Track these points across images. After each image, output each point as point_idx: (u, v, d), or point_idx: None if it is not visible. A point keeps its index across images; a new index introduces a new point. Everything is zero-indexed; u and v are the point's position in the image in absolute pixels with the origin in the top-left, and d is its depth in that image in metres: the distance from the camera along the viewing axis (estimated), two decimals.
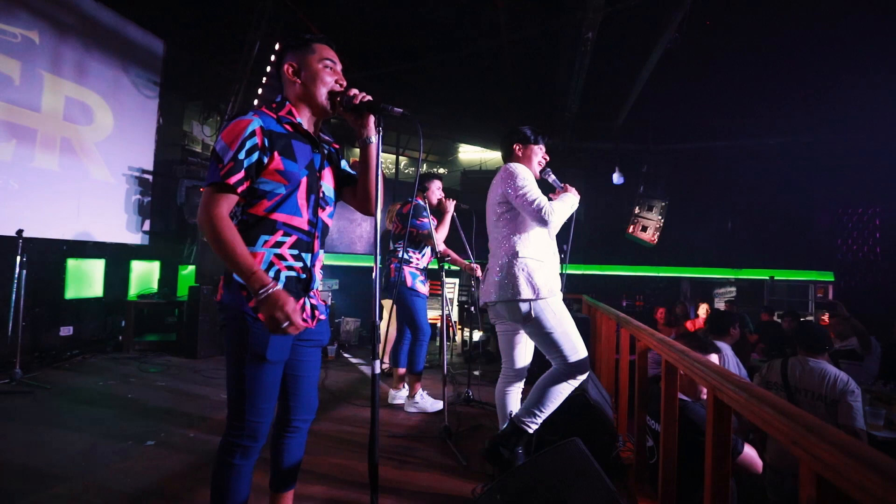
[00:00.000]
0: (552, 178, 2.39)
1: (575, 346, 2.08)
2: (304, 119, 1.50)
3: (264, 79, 6.10)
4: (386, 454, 2.64)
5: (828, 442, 0.76)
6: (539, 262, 2.14)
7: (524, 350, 2.37)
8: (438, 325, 4.50)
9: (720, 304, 9.33)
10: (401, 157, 9.31)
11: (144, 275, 5.64)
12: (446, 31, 6.54)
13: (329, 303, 5.89)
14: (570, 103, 7.34)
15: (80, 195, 4.87)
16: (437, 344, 5.16)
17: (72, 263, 4.85)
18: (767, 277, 9.66)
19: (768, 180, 9.29)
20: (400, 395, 3.57)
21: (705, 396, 2.12)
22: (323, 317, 1.58)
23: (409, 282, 3.37)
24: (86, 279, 5.04)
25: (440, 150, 12.50)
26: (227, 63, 6.14)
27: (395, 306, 3.65)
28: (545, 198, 2.10)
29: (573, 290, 7.32)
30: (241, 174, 1.32)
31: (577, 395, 2.43)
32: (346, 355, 5.49)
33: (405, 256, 3.40)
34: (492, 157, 11.62)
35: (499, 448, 2.09)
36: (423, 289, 3.46)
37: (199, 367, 4.45)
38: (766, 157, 9.15)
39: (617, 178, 9.06)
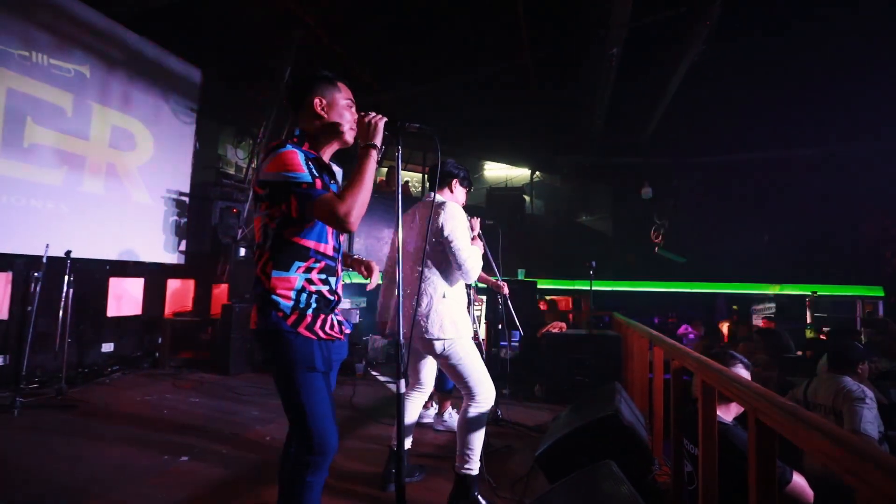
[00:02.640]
0: (471, 221, 2.50)
1: (480, 378, 2.21)
2: (322, 150, 1.60)
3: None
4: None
5: (886, 471, 0.71)
6: (458, 303, 2.27)
7: (430, 369, 2.50)
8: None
9: (758, 321, 8.93)
10: (426, 176, 9.43)
11: (180, 293, 5.84)
12: (470, 51, 6.65)
13: (358, 320, 5.94)
14: (596, 119, 7.30)
15: (122, 217, 5.12)
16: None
17: (114, 282, 5.07)
18: (810, 293, 9.20)
19: (806, 191, 8.93)
20: (428, 414, 3.54)
21: (731, 415, 2.02)
22: (348, 331, 1.65)
23: None
24: (126, 297, 5.26)
25: (466, 168, 12.59)
26: (259, 89, 6.41)
27: None
28: (475, 255, 2.21)
29: (603, 308, 7.16)
30: (320, 183, 1.45)
31: (610, 415, 2.35)
32: (373, 373, 5.50)
33: None
34: (517, 174, 11.62)
35: (457, 502, 2.18)
36: None
37: (232, 384, 4.54)
38: (802, 167, 8.82)
39: (646, 192, 8.90)
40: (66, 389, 3.85)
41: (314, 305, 1.49)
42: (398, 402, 1.56)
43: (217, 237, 5.91)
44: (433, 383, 2.56)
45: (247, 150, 7.02)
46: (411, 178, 9.97)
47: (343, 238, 1.65)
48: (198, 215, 6.09)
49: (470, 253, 2.19)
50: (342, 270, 1.63)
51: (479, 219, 3.50)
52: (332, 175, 1.61)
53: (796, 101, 7.73)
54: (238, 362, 5.00)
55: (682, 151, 9.05)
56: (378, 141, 1.52)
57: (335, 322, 1.57)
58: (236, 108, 6.71)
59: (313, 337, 1.47)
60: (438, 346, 2.18)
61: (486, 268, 3.61)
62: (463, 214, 2.27)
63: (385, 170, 9.04)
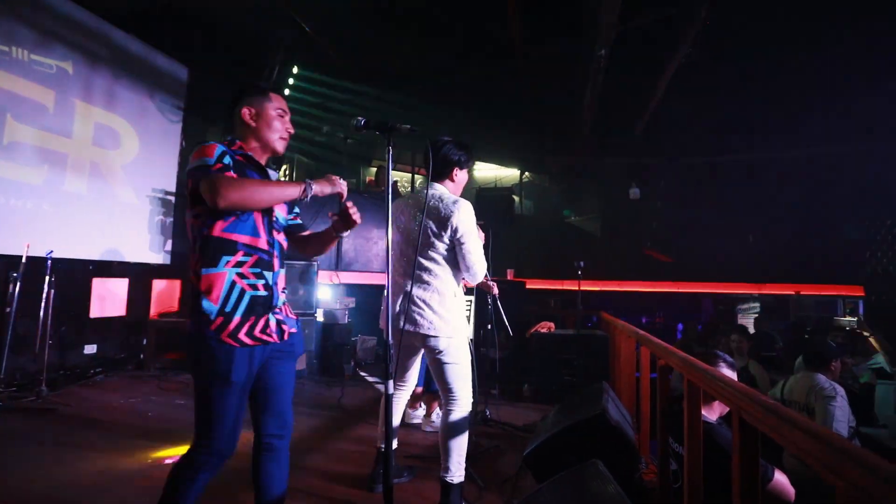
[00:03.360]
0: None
1: (467, 382, 2.20)
2: (255, 155, 1.63)
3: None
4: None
5: (865, 468, 0.72)
6: (462, 299, 2.26)
7: (417, 366, 2.45)
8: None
9: (744, 321, 9.06)
10: (416, 175, 9.41)
11: (165, 293, 5.75)
12: (461, 51, 6.65)
13: (347, 321, 5.91)
14: (585, 119, 7.35)
15: (106, 216, 5.03)
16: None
17: (97, 283, 4.98)
18: (793, 293, 9.35)
19: (791, 192, 9.08)
20: (416, 415, 3.54)
21: (715, 414, 2.05)
22: (293, 330, 1.65)
23: None
24: (110, 298, 5.16)
25: (464, 146, 12.59)
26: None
27: None
28: (483, 260, 2.20)
29: (591, 308, 7.22)
30: (230, 174, 1.46)
31: (598, 415, 2.36)
32: (362, 374, 5.48)
33: None
34: (507, 174, 11.64)
35: None
36: None
37: None
38: (787, 168, 8.97)
39: (634, 192, 8.98)
40: (47, 392, 3.77)
41: (245, 305, 1.48)
42: (386, 402, 1.56)
43: None
44: (416, 381, 2.53)
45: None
46: (400, 178, 9.95)
47: (281, 235, 1.65)
48: (184, 215, 6.00)
49: (480, 255, 2.17)
50: (280, 266, 1.62)
51: None
52: (266, 174, 1.63)
53: (780, 103, 7.86)
54: None
55: (670, 152, 9.15)
56: (312, 190, 1.53)
57: (273, 323, 1.55)
58: (224, 106, 6.62)
59: (236, 345, 1.45)
60: (443, 343, 2.12)
61: None
62: (472, 211, 2.21)
63: (374, 170, 9.00)
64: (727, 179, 9.42)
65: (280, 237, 1.64)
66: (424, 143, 2.16)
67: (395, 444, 2.51)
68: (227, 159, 1.48)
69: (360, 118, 1.64)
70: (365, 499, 2.33)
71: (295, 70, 6.33)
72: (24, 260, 3.79)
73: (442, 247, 2.14)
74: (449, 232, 2.11)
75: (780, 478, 1.86)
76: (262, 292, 1.53)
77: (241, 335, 1.47)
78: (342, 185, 1.60)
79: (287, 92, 6.38)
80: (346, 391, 4.40)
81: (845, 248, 9.32)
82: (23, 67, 4.26)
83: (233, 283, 1.48)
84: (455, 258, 2.17)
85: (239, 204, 1.41)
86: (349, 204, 1.62)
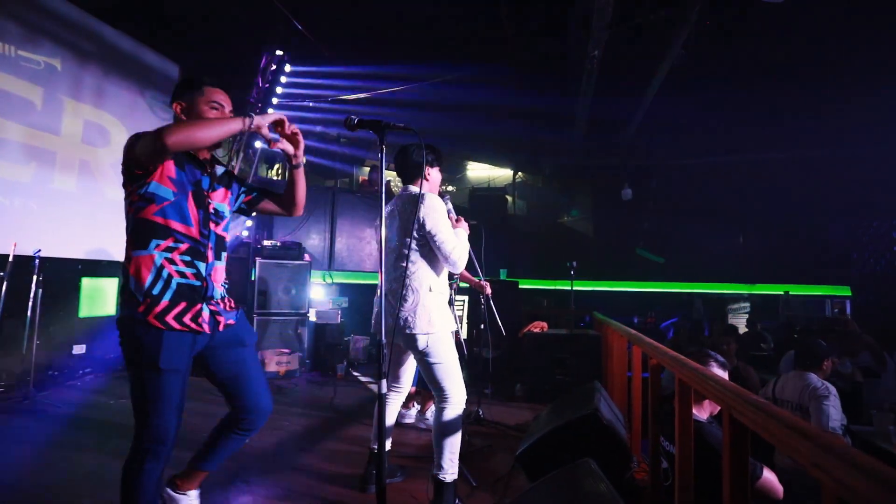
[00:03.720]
0: (449, 206, 2.40)
1: (456, 379, 2.20)
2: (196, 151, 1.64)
3: (275, 100, 6.25)
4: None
5: (850, 465, 0.73)
6: (442, 294, 2.26)
7: (411, 369, 2.48)
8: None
9: (734, 321, 9.15)
10: None
11: None
12: (453, 49, 6.66)
13: (339, 321, 5.88)
14: (577, 120, 7.39)
15: (95, 215, 4.96)
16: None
17: (86, 282, 4.92)
18: (782, 292, 9.48)
19: (780, 194, 9.20)
20: (410, 414, 3.54)
21: (706, 413, 2.08)
22: (231, 322, 1.69)
23: None
24: (99, 297, 5.10)
25: (448, 168, 12.58)
26: (239, 86, 6.29)
27: None
28: (460, 244, 2.19)
29: (583, 307, 7.25)
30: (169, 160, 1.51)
31: (590, 414, 2.38)
32: (355, 373, 5.46)
33: None
34: (500, 174, 11.67)
35: None
36: None
37: (208, 386, 4.42)
38: (776, 170, 9.09)
39: (626, 193, 9.04)
40: (35, 393, 3.72)
41: (173, 290, 1.50)
42: (379, 402, 1.56)
43: None
44: (411, 384, 2.54)
45: (226, 146, 6.89)
46: (393, 177, 9.94)
47: (220, 227, 1.67)
48: None
49: (455, 243, 2.16)
50: (214, 258, 1.64)
51: (461, 218, 3.52)
52: (204, 168, 1.65)
53: (769, 107, 7.96)
54: None
55: (661, 154, 9.23)
56: (254, 121, 1.51)
57: (206, 313, 1.58)
58: None
59: (162, 327, 1.47)
60: (422, 341, 2.13)
61: (470, 268, 3.62)
62: (442, 205, 2.23)
63: (367, 169, 8.98)
64: (718, 181, 9.52)
65: (219, 230, 1.67)
66: (418, 142, 2.16)
67: (388, 446, 2.52)
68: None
69: (353, 116, 1.64)
70: (358, 499, 2.32)
71: (287, 68, 6.30)
72: (10, 259, 3.73)
73: (413, 243, 2.17)
74: (417, 228, 2.14)
75: (768, 475, 1.89)
76: (193, 281, 1.56)
77: (169, 318, 1.48)
78: (279, 113, 1.60)
79: (279, 90, 6.33)
80: (339, 391, 4.39)
81: (833, 249, 9.46)
82: (10, 64, 4.19)
83: (161, 267, 1.50)
84: (429, 253, 2.20)
85: (184, 140, 1.40)
86: (290, 128, 1.61)
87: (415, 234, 2.16)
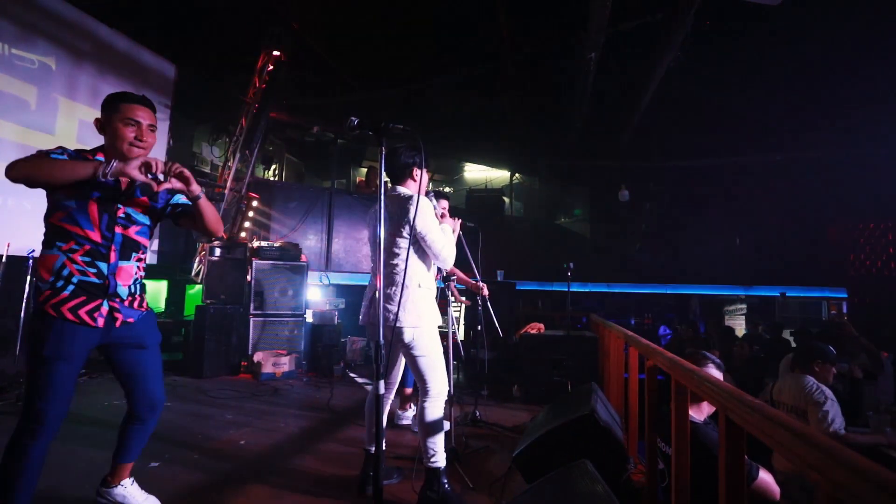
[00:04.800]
0: (434, 202, 2.47)
1: (440, 372, 2.28)
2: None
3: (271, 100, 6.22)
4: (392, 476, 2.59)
5: (845, 466, 0.73)
6: (430, 290, 2.33)
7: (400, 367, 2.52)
8: (445, 344, 4.48)
9: (731, 322, 9.19)
10: None
11: (152, 294, 5.67)
12: (450, 53, 6.66)
13: (336, 322, 5.87)
14: (574, 122, 7.40)
15: None
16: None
17: None
18: (778, 294, 9.52)
19: (776, 196, 9.24)
20: (406, 416, 3.53)
21: (703, 415, 2.08)
22: (130, 320, 1.79)
23: None
24: None
25: (446, 170, 12.61)
26: (236, 86, 6.28)
27: None
28: (449, 241, 2.29)
29: (580, 309, 7.26)
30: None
31: (586, 415, 2.38)
32: (352, 375, 5.45)
33: None
34: (497, 175, 11.68)
35: (426, 493, 2.22)
36: None
37: (205, 387, 4.43)
38: (773, 172, 9.13)
39: (623, 195, 9.07)
40: None
41: (74, 284, 1.64)
42: (376, 404, 1.56)
43: (191, 237, 5.77)
44: (398, 382, 2.57)
45: (223, 147, 6.88)
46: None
47: (130, 230, 1.77)
48: None
49: (444, 242, 2.26)
50: (119, 258, 1.74)
51: (459, 219, 3.51)
52: (118, 180, 1.71)
53: (766, 108, 8.00)
54: (212, 365, 4.88)
55: (658, 156, 9.26)
56: (101, 170, 1.56)
57: (104, 308, 1.70)
58: (212, 104, 6.56)
59: (55, 315, 1.60)
60: (409, 334, 2.21)
61: (467, 269, 3.62)
62: (430, 205, 2.30)
63: (364, 170, 8.98)
64: (715, 183, 9.56)
65: (130, 233, 1.78)
66: (416, 144, 2.21)
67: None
68: (60, 157, 1.62)
69: (352, 118, 1.64)
70: (354, 500, 2.31)
71: (284, 69, 6.29)
72: (4, 259, 3.71)
73: (403, 242, 2.24)
74: (407, 229, 2.21)
75: (764, 476, 1.89)
76: (94, 279, 1.68)
77: (64, 309, 1.62)
78: (137, 173, 1.56)
79: (276, 91, 6.32)
80: (336, 392, 4.37)
81: (830, 251, 9.50)
82: (4, 62, 4.18)
83: (63, 265, 1.65)
84: (418, 251, 2.28)
85: (25, 178, 1.53)
86: (172, 168, 1.66)
87: (405, 233, 2.23)
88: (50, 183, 1.61)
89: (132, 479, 2.02)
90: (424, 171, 2.42)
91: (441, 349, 2.32)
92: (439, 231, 2.27)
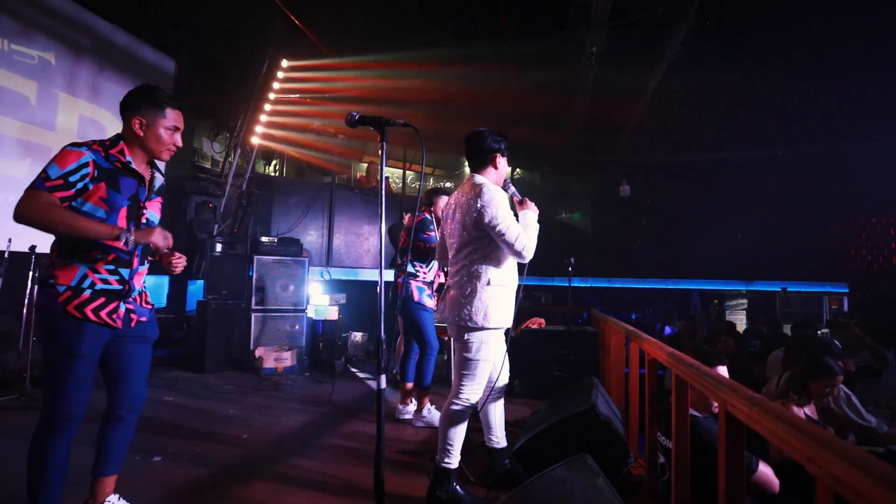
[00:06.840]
0: (512, 189, 2.35)
1: (480, 377, 2.19)
2: (136, 159, 1.71)
3: (272, 95, 6.21)
4: (393, 470, 2.60)
5: (844, 459, 0.73)
6: (504, 287, 2.19)
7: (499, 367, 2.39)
8: (446, 338, 4.48)
9: (732, 317, 9.19)
10: (407, 172, 9.38)
11: (153, 289, 5.68)
12: (449, 46, 6.63)
13: (338, 317, 5.88)
14: (576, 116, 7.38)
15: None
16: (445, 358, 5.16)
17: None
18: (780, 289, 9.50)
19: (778, 190, 9.21)
20: (407, 410, 3.54)
21: (716, 410, 2.08)
22: (143, 319, 1.80)
23: (416, 296, 3.36)
24: None
25: (447, 165, 12.57)
26: (236, 82, 6.26)
27: (402, 320, 3.64)
28: (524, 234, 2.10)
29: (581, 304, 7.27)
30: (69, 193, 1.56)
31: (587, 410, 2.39)
32: (353, 370, 5.46)
33: (412, 270, 3.40)
34: None
35: (435, 492, 2.17)
36: (431, 303, 3.44)
37: (208, 382, 4.45)
38: (775, 167, 9.09)
39: (624, 190, 9.04)
40: (31, 390, 3.70)
41: (95, 289, 1.61)
42: (378, 398, 1.56)
43: (193, 232, 5.77)
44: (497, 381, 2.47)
45: (223, 143, 6.86)
46: (392, 174, 9.91)
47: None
48: (172, 210, 5.92)
49: (518, 232, 2.07)
50: (139, 263, 1.75)
51: (444, 196, 3.43)
52: (142, 180, 1.73)
53: (767, 103, 7.96)
54: (214, 360, 4.90)
55: (660, 151, 9.22)
56: (131, 238, 1.58)
57: (122, 310, 1.69)
58: (213, 100, 6.54)
59: (79, 316, 1.57)
60: (464, 334, 2.13)
61: None
62: (502, 194, 2.17)
63: (365, 165, 8.96)
64: (716, 178, 9.53)
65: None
66: (417, 139, 2.16)
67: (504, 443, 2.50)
68: (80, 175, 1.55)
69: (354, 113, 1.64)
70: (355, 494, 2.33)
71: (284, 63, 6.26)
72: (6, 255, 3.72)
73: (473, 236, 2.13)
74: (476, 221, 2.09)
75: (764, 469, 1.89)
76: (115, 286, 1.66)
77: (88, 311, 1.59)
78: (161, 241, 1.64)
79: (276, 86, 6.30)
80: (337, 387, 4.39)
81: (831, 246, 9.49)
82: (3, 58, 4.16)
83: (85, 275, 1.61)
84: (489, 245, 2.13)
85: (37, 225, 1.51)
86: (173, 257, 1.78)
87: (472, 228, 2.11)
88: (56, 234, 1.61)
89: (118, 495, 1.84)
90: (505, 158, 2.30)
91: (494, 358, 2.22)
92: (512, 221, 2.10)
